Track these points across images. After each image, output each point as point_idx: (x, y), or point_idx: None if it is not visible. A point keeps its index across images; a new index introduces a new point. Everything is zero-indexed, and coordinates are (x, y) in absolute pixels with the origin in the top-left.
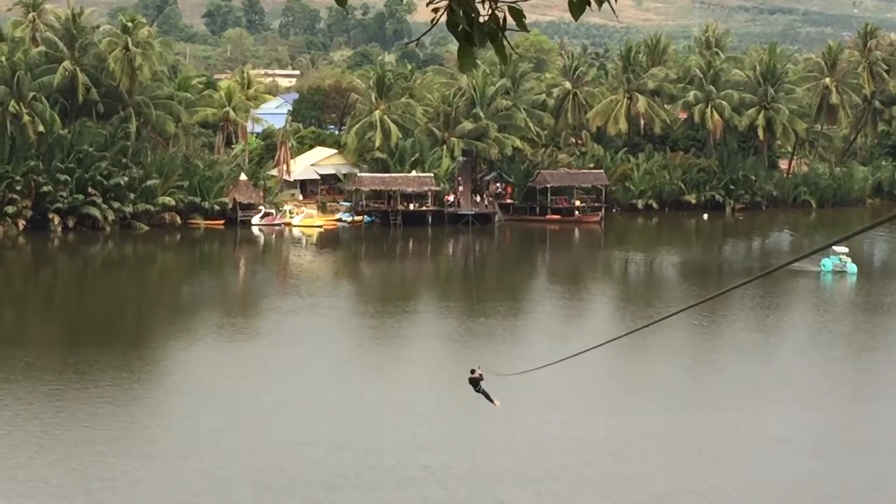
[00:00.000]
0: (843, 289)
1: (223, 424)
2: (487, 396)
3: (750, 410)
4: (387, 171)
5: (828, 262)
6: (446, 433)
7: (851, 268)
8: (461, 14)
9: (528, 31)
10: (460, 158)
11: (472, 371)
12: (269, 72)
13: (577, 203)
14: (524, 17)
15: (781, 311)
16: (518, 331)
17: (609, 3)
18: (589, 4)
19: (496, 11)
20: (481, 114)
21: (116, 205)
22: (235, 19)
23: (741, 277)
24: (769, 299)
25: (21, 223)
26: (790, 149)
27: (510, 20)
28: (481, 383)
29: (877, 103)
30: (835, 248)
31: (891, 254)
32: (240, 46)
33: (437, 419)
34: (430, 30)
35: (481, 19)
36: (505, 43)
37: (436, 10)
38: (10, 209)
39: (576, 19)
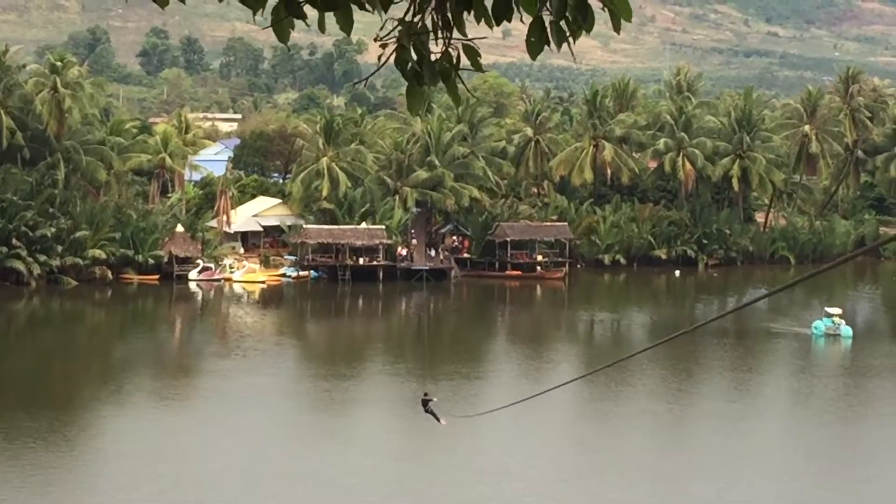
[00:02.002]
0: (836, 353)
1: (159, 498)
2: (434, 416)
3: (724, 483)
4: (335, 222)
5: (820, 325)
6: None
7: (846, 331)
8: (411, 51)
9: (483, 72)
10: (414, 209)
11: (426, 394)
12: (209, 115)
13: (540, 258)
14: (479, 55)
15: (764, 376)
16: (474, 396)
17: (568, 43)
18: (548, 44)
19: (449, 49)
20: (436, 162)
21: (42, 258)
22: (172, 59)
23: (716, 339)
24: (751, 362)
25: None
26: (767, 201)
27: (465, 59)
28: (430, 404)
29: (859, 153)
30: (828, 309)
31: (889, 315)
32: (177, 88)
33: (389, 489)
34: (378, 69)
35: (433, 57)
36: (458, 83)
37: (384, 47)
38: None
39: (533, 59)
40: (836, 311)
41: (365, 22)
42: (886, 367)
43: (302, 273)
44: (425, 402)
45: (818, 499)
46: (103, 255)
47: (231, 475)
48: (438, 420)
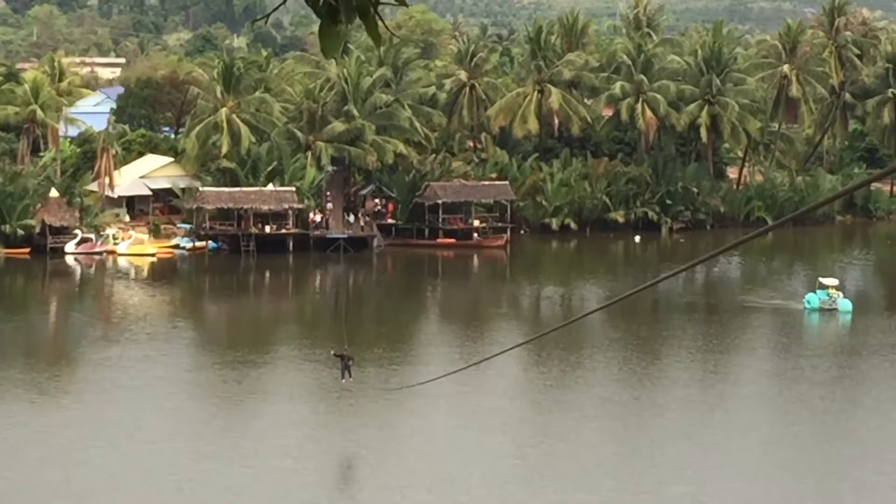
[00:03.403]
0: (833, 330)
1: None
2: (344, 371)
3: (699, 483)
4: (236, 184)
5: (813, 298)
6: None
7: (844, 304)
8: None
9: (406, 6)
10: (329, 168)
11: (346, 348)
12: (87, 60)
13: (477, 223)
14: None
15: (744, 357)
16: (400, 383)
17: None
18: None
19: None
20: (355, 112)
21: None
22: None
23: (685, 315)
24: (729, 341)
25: None
26: (741, 153)
27: None
28: (348, 362)
29: (847, 96)
30: (822, 280)
31: (884, 284)
32: (49, 28)
33: (297, 494)
34: (283, 3)
35: None
36: (378, 20)
37: None
38: None
39: None
40: (832, 282)
41: None
42: (885, 345)
43: (198, 244)
44: (343, 358)
45: (807, 499)
46: None
47: (119, 483)
48: (345, 376)
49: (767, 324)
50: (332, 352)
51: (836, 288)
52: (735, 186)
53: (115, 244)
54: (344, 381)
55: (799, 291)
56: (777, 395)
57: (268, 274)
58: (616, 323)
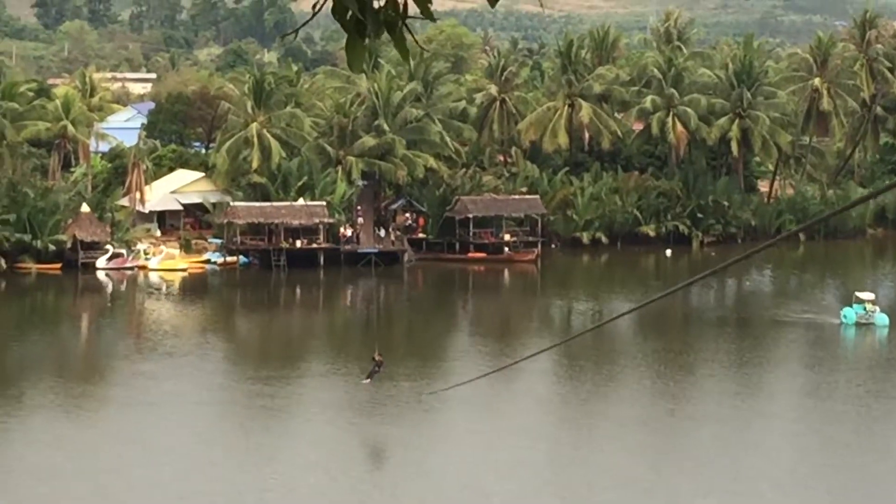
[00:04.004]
0: (869, 345)
1: None
2: (371, 374)
3: (732, 498)
4: (267, 199)
5: (850, 313)
6: None
7: (880, 318)
8: None
9: (434, 20)
10: (360, 183)
11: (380, 354)
12: (118, 75)
13: (507, 237)
14: (430, 1)
15: (778, 372)
16: (430, 401)
17: None
18: None
19: None
20: (385, 126)
21: None
22: (74, 10)
23: (716, 329)
24: (765, 355)
25: None
26: (771, 167)
27: (413, 6)
28: (379, 368)
29: (878, 109)
30: (858, 294)
31: None
32: (80, 43)
33: None
34: (312, 18)
35: (376, 4)
36: (406, 33)
37: None
38: None
39: (492, 5)
40: (869, 296)
41: None
42: None
43: (229, 259)
44: (376, 363)
45: None
46: None
47: (152, 496)
48: (369, 377)
49: (801, 338)
50: (375, 355)
51: (872, 302)
52: (766, 200)
53: (147, 259)
54: (365, 381)
55: (832, 305)
56: (812, 409)
57: (299, 289)
58: (648, 337)
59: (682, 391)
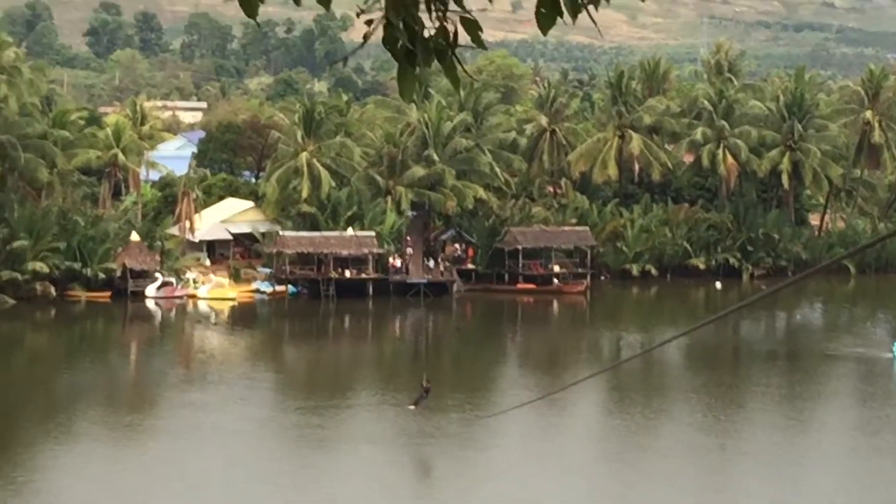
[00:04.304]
0: None
1: None
2: (418, 400)
3: None
4: (316, 228)
5: None
6: None
7: None
8: (401, 27)
9: (485, 48)
10: (409, 213)
11: (428, 381)
12: (169, 104)
13: (556, 269)
14: (480, 29)
15: (829, 406)
16: (478, 431)
17: (588, 13)
18: (560, 15)
19: (445, 23)
20: (435, 156)
21: None
22: (126, 38)
23: (766, 362)
24: (815, 389)
25: None
26: (822, 200)
27: (464, 35)
28: (426, 395)
29: None
30: None
31: None
32: (131, 72)
33: None
34: (361, 46)
35: (426, 33)
36: (456, 62)
37: (369, 23)
38: None
39: (544, 33)
40: None
41: None
42: None
43: (278, 288)
44: (424, 389)
45: None
46: (45, 269)
47: None
48: (415, 404)
49: (852, 372)
50: (423, 382)
51: None
52: (817, 233)
53: (196, 288)
54: (411, 407)
55: (883, 339)
56: (863, 444)
57: (347, 319)
58: (698, 370)
59: (733, 425)
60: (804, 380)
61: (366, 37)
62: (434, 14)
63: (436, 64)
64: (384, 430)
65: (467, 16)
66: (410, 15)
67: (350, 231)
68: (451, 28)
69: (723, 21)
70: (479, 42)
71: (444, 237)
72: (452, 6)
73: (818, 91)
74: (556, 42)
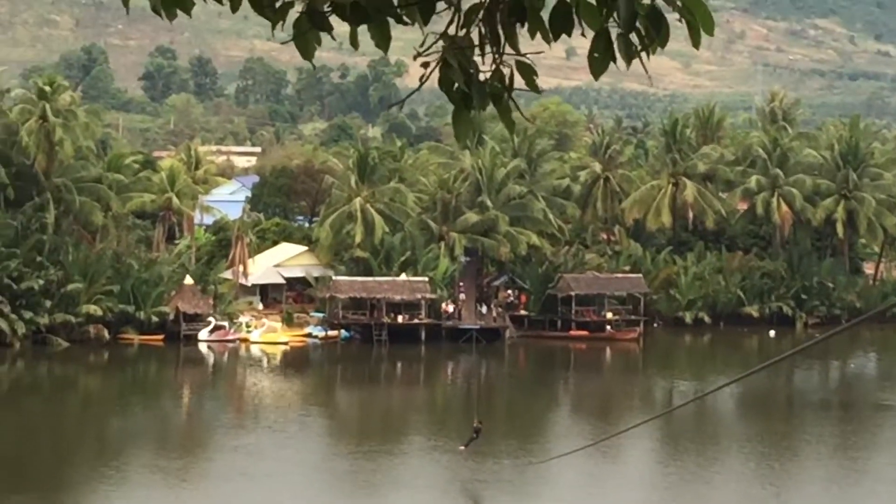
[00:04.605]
0: None
1: None
2: (470, 441)
3: None
4: (369, 274)
5: None
6: None
7: None
8: (457, 69)
9: (539, 92)
10: (462, 259)
11: (479, 422)
12: (223, 148)
13: (609, 316)
14: (536, 74)
15: (886, 455)
16: (531, 477)
17: (640, 60)
18: (614, 61)
19: (501, 66)
20: (489, 202)
21: (28, 315)
22: (181, 83)
23: (821, 412)
24: (870, 439)
25: None
26: (877, 249)
27: (519, 79)
28: (477, 435)
29: None
30: None
31: None
32: (186, 116)
33: None
34: (417, 89)
35: (482, 76)
36: (512, 105)
37: (425, 66)
38: None
39: (596, 78)
40: None
41: (404, 39)
42: None
43: (331, 333)
44: (475, 430)
45: None
46: (99, 312)
47: None
48: (466, 445)
49: None
50: (475, 423)
51: None
52: (871, 282)
53: (249, 332)
54: (462, 448)
55: None
56: None
57: (399, 364)
58: (751, 418)
59: (787, 473)
60: (858, 430)
61: (422, 79)
62: (490, 57)
63: (490, 109)
64: (436, 476)
65: (523, 59)
66: (466, 58)
67: (403, 276)
68: (506, 71)
69: (777, 69)
70: (533, 86)
71: (496, 283)
72: (508, 50)
73: (873, 140)
74: (610, 89)
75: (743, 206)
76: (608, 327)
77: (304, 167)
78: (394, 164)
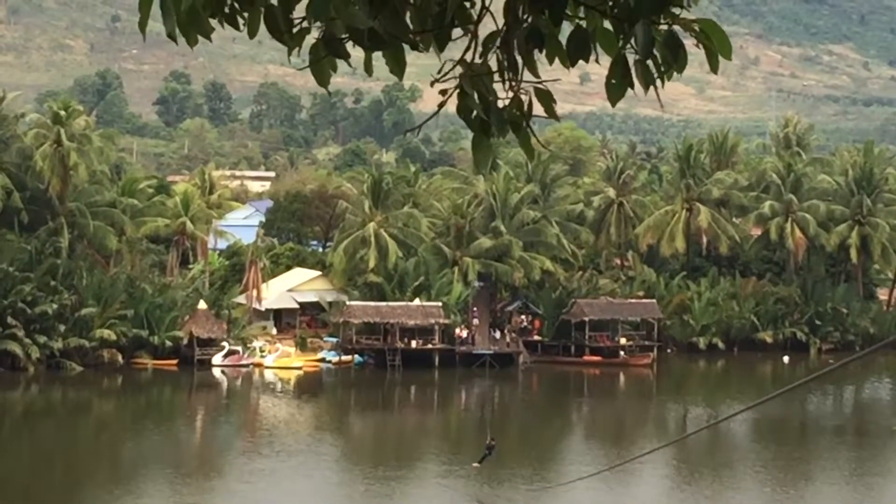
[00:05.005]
0: None
1: None
2: (483, 458)
3: None
4: (383, 299)
5: None
6: None
7: None
8: (475, 97)
9: (558, 120)
10: (476, 284)
11: (492, 439)
12: (237, 173)
13: (623, 341)
14: (554, 101)
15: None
16: (546, 502)
17: (654, 87)
18: (631, 87)
19: (519, 94)
20: (502, 228)
21: (42, 339)
22: (195, 107)
23: (835, 437)
24: (884, 465)
25: None
26: (891, 275)
27: (537, 105)
28: (490, 452)
29: None
30: None
31: None
32: (200, 141)
33: None
34: (434, 115)
35: (500, 103)
36: (530, 133)
37: (443, 93)
38: None
39: (613, 104)
40: None
41: (419, 64)
42: None
43: (345, 357)
44: (488, 447)
45: None
46: (113, 336)
47: None
48: (480, 461)
49: None
50: (488, 440)
51: None
52: (886, 308)
53: (262, 357)
54: (476, 465)
55: None
56: None
57: (413, 389)
58: (766, 444)
59: (802, 499)
60: (873, 455)
61: (440, 106)
62: (507, 84)
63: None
64: (451, 501)
65: (541, 87)
66: (484, 85)
67: (417, 301)
68: (524, 98)
69: (791, 95)
70: (552, 113)
71: (510, 308)
72: (527, 76)
73: (887, 165)
74: (624, 114)
75: (757, 232)
76: (622, 353)
77: (317, 192)
78: (407, 189)
